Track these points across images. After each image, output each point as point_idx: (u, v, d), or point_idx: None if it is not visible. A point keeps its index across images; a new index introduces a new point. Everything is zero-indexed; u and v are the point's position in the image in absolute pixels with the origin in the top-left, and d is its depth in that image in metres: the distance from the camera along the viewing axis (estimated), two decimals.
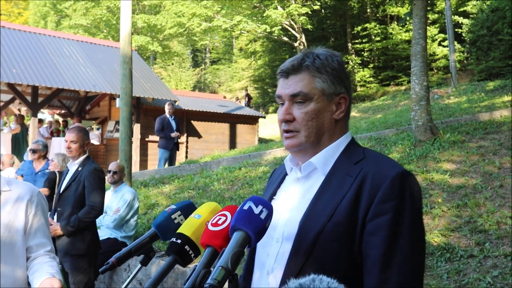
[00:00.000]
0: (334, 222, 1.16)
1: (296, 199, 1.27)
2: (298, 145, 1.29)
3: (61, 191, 4.06)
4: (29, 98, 11.98)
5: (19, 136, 12.59)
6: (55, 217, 4.03)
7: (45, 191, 5.84)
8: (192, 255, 1.14)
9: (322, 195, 1.22)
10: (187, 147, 14.48)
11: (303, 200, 1.25)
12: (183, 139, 13.91)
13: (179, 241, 1.14)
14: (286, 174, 1.40)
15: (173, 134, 10.32)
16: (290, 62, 1.30)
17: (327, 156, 1.28)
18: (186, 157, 14.09)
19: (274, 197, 1.37)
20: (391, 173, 1.18)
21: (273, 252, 1.25)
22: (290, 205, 1.27)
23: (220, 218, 1.09)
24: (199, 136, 14.92)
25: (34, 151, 6.47)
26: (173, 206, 1.35)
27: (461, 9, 19.16)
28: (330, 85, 1.28)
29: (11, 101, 14.19)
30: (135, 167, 11.81)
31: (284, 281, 1.18)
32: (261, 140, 16.85)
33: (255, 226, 1.02)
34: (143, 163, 13.17)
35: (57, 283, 1.93)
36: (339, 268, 1.15)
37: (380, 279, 1.11)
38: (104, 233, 5.31)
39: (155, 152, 12.48)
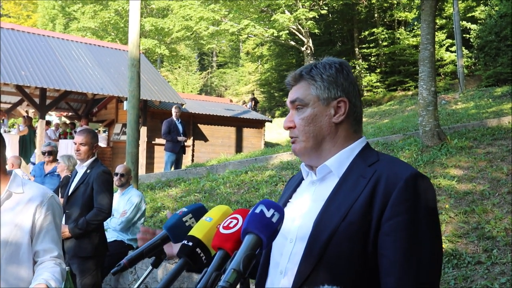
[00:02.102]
0: (348, 222, 1.18)
1: (311, 201, 1.30)
2: (299, 150, 1.35)
3: (69, 193, 4.07)
4: (37, 100, 12.05)
5: (27, 138, 12.66)
6: (64, 219, 4.03)
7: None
8: (203, 258, 1.14)
9: (336, 196, 1.25)
10: (193, 150, 14.47)
11: (317, 202, 1.28)
12: (189, 142, 13.92)
13: (190, 243, 1.13)
14: (302, 179, 1.43)
15: (180, 138, 10.33)
16: (291, 74, 1.40)
17: (341, 159, 1.31)
18: (192, 160, 14.08)
19: (290, 200, 1.41)
20: (405, 174, 1.19)
21: (286, 252, 1.27)
22: (305, 207, 1.30)
23: (231, 221, 1.10)
24: (206, 140, 14.92)
25: (50, 153, 6.55)
26: (184, 209, 1.35)
27: (469, 15, 19.08)
28: (324, 91, 1.33)
29: (19, 103, 14.28)
30: (142, 170, 11.84)
31: (297, 281, 1.20)
32: (268, 144, 16.83)
33: (267, 230, 1.03)
34: (150, 166, 13.18)
35: None
36: (352, 269, 1.16)
37: (400, 279, 1.12)
38: (111, 236, 5.31)
39: (161, 155, 12.48)
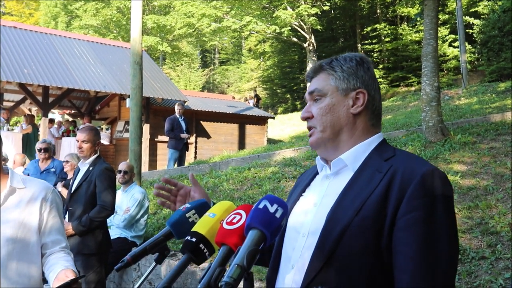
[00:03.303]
0: (362, 217, 1.16)
1: (324, 195, 1.29)
2: (317, 141, 1.34)
3: (72, 191, 4.08)
4: (40, 98, 12.05)
5: (31, 136, 12.67)
6: (67, 216, 4.07)
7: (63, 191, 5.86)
8: (207, 253, 1.14)
9: (350, 189, 1.23)
10: (196, 147, 14.47)
11: (331, 196, 1.26)
12: (192, 139, 13.92)
13: (193, 239, 1.13)
14: (316, 174, 1.42)
15: (183, 135, 10.32)
16: (312, 67, 1.41)
17: (357, 154, 1.30)
18: (195, 157, 14.09)
19: (303, 194, 1.39)
20: (422, 169, 1.17)
21: (298, 246, 1.25)
22: (318, 201, 1.28)
23: (235, 217, 1.10)
24: (208, 137, 14.92)
25: (46, 150, 6.48)
26: (187, 205, 1.35)
27: (472, 10, 18.98)
28: (343, 81, 1.33)
29: (22, 101, 14.30)
30: (145, 167, 11.83)
31: (307, 276, 1.18)
32: (270, 141, 16.82)
33: (270, 225, 1.03)
34: (153, 163, 13.19)
35: (71, 274, 1.96)
36: (364, 264, 1.14)
37: (416, 276, 1.10)
38: (114, 233, 5.32)
39: (164, 152, 12.49)
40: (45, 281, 2.14)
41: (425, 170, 1.17)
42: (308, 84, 1.43)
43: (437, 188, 1.15)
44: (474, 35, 17.50)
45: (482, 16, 17.84)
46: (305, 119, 1.37)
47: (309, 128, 1.36)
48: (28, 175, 6.55)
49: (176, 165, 10.40)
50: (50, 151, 6.54)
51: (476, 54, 17.95)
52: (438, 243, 1.11)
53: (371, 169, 1.24)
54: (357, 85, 1.33)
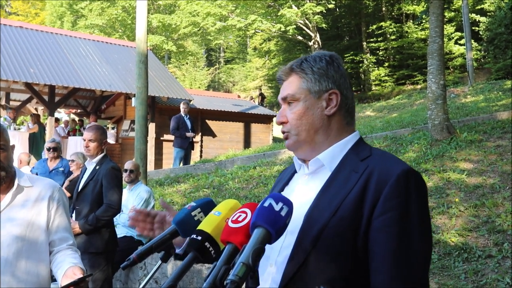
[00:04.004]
0: (339, 217, 1.17)
1: (302, 195, 1.29)
2: (293, 144, 1.35)
3: (79, 190, 4.09)
4: (46, 97, 12.08)
5: (37, 135, 12.70)
6: (73, 215, 4.08)
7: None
8: (212, 252, 1.14)
9: (327, 190, 1.24)
10: (201, 146, 14.46)
11: (308, 195, 1.27)
12: (197, 138, 13.91)
13: (199, 237, 1.13)
14: (295, 172, 1.43)
15: (188, 134, 10.32)
16: (282, 69, 1.40)
17: (334, 153, 1.31)
18: (201, 156, 14.08)
19: (281, 193, 1.39)
20: (397, 170, 1.18)
21: (277, 245, 1.24)
22: (296, 200, 1.25)
23: (240, 215, 1.10)
24: (214, 135, 14.91)
25: (54, 149, 6.49)
26: (193, 203, 1.35)
27: (478, 7, 18.85)
28: (315, 83, 1.33)
29: (28, 100, 14.36)
30: (150, 166, 11.84)
31: (286, 274, 1.19)
32: (276, 139, 16.78)
33: (275, 223, 1.03)
34: (158, 162, 13.19)
35: (79, 271, 1.96)
36: (342, 264, 1.15)
37: (390, 276, 1.11)
38: (120, 231, 5.30)
39: (170, 151, 12.48)
40: (53, 279, 2.15)
41: (400, 171, 1.18)
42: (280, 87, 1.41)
43: (412, 189, 1.16)
44: (480, 32, 17.40)
45: (488, 14, 17.73)
46: (280, 123, 1.37)
47: (283, 132, 1.37)
48: (37, 174, 6.59)
49: (181, 164, 10.42)
50: (59, 150, 6.55)
51: (482, 52, 17.86)
52: (411, 243, 1.13)
53: (347, 170, 1.25)
54: (329, 86, 1.33)
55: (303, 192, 1.30)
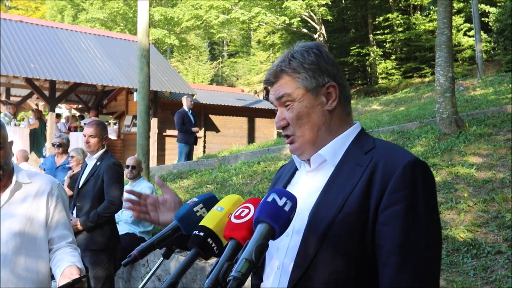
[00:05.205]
0: (345, 213, 1.15)
1: (306, 193, 1.26)
2: (299, 148, 1.30)
3: (80, 186, 4.09)
4: (47, 93, 12.03)
5: (38, 131, 12.65)
6: (74, 212, 4.09)
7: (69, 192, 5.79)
8: (215, 248, 1.13)
9: (332, 186, 1.21)
10: (205, 141, 14.41)
11: (312, 192, 1.24)
12: (201, 133, 13.84)
13: (201, 233, 1.13)
14: (296, 169, 1.39)
15: (194, 129, 10.27)
16: (270, 70, 1.33)
17: (336, 147, 1.28)
18: (204, 151, 14.05)
19: None
20: (402, 161, 1.15)
21: (283, 247, 1.23)
22: (300, 198, 1.21)
23: (243, 211, 1.09)
24: (217, 131, 14.83)
25: (59, 145, 6.50)
26: (195, 199, 1.34)
27: None
28: (311, 80, 1.28)
29: (29, 96, 14.26)
30: (153, 162, 11.78)
31: (294, 276, 1.17)
32: (280, 134, 16.63)
33: (279, 218, 1.02)
34: (161, 158, 13.14)
35: (76, 271, 1.95)
36: (351, 261, 1.13)
37: (397, 270, 1.09)
38: (122, 228, 5.29)
39: (172, 147, 12.44)
40: (53, 277, 2.14)
41: (407, 162, 1.15)
42: (270, 89, 1.34)
43: (418, 180, 1.13)
44: (490, 23, 17.16)
45: (498, 4, 17.45)
46: (281, 127, 1.32)
47: (287, 136, 1.31)
48: (45, 170, 6.69)
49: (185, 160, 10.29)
50: (65, 146, 6.58)
51: (492, 43, 17.61)
52: (419, 235, 1.10)
53: (351, 164, 1.22)
54: (325, 80, 1.28)
55: (306, 190, 1.27)
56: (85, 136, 4.02)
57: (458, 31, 19.14)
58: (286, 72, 1.29)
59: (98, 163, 4.03)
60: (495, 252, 3.84)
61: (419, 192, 1.12)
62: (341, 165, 1.24)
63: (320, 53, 1.30)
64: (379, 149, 1.23)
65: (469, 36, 18.84)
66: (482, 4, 17.15)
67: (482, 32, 16.05)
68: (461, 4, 19.52)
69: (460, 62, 19.73)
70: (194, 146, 10.70)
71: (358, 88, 23.32)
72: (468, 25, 18.68)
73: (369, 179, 1.16)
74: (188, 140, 10.18)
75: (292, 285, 1.17)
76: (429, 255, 1.11)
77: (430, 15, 20.26)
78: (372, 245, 1.13)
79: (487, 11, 17.46)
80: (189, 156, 10.42)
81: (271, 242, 1.24)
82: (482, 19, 16.52)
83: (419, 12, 21.97)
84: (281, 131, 1.34)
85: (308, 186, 1.28)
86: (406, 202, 1.11)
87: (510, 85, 11.59)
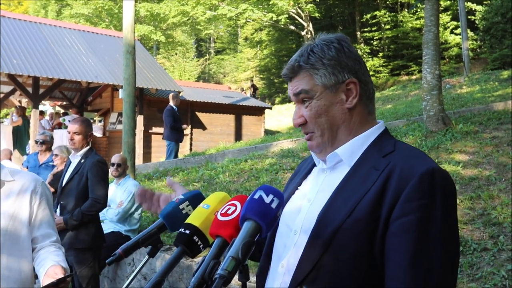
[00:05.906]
0: (354, 219, 1.09)
1: (318, 191, 1.23)
2: (318, 146, 1.26)
3: (63, 184, 4.05)
4: (30, 89, 11.81)
5: (21, 128, 12.43)
6: (58, 210, 4.04)
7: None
8: (201, 245, 1.12)
9: (344, 188, 1.16)
10: (191, 139, 14.32)
11: (325, 192, 1.20)
12: (187, 131, 13.74)
13: (187, 231, 1.11)
14: (314, 165, 1.35)
15: (185, 126, 10.17)
16: (288, 65, 1.29)
17: (354, 148, 1.22)
18: (191, 149, 13.97)
19: (298, 187, 1.33)
20: (420, 169, 1.08)
21: (290, 244, 1.21)
22: (312, 197, 1.23)
23: (229, 208, 1.08)
24: (204, 128, 14.75)
25: (42, 143, 6.41)
26: (180, 196, 1.32)
27: None
28: (330, 77, 1.23)
29: (12, 92, 13.99)
30: (139, 160, 11.65)
31: (297, 277, 1.14)
32: (267, 132, 16.64)
33: (265, 216, 1.01)
34: (147, 156, 13.02)
35: (60, 270, 1.93)
36: (356, 268, 1.08)
37: (405, 285, 1.02)
38: (107, 227, 5.23)
39: (158, 144, 12.32)
40: (37, 276, 2.11)
41: (425, 170, 1.08)
42: (288, 83, 1.30)
43: (436, 190, 1.07)
44: (477, 21, 17.28)
45: (484, 2, 17.57)
46: (299, 125, 1.28)
47: (306, 133, 1.28)
48: (27, 168, 6.61)
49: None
50: (48, 143, 6.49)
51: (479, 41, 17.72)
52: (433, 251, 1.04)
53: (367, 166, 1.17)
54: (345, 76, 1.23)
55: (320, 188, 1.24)
56: (69, 133, 3.98)
57: (445, 29, 19.30)
58: (304, 68, 1.24)
59: (83, 160, 3.99)
60: (481, 249, 3.87)
61: (437, 204, 1.05)
62: (357, 166, 1.19)
63: (342, 47, 1.24)
64: (398, 153, 1.17)
65: (456, 34, 19.01)
66: (468, 2, 17.28)
67: (468, 30, 16.18)
68: (448, 2, 19.65)
69: (447, 60, 19.88)
70: (180, 144, 10.60)
71: None
72: (455, 23, 18.84)
73: (383, 185, 1.10)
74: (179, 138, 10.08)
75: (294, 286, 1.14)
76: (442, 272, 1.04)
77: (417, 13, 20.38)
78: (382, 256, 1.08)
79: (473, 9, 17.58)
80: (175, 153, 10.31)
81: (278, 238, 1.27)
82: (469, 17, 16.64)
83: (406, 10, 22.11)
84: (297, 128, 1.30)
85: (322, 184, 1.24)
86: (420, 213, 1.04)
87: (496, 83, 11.74)
